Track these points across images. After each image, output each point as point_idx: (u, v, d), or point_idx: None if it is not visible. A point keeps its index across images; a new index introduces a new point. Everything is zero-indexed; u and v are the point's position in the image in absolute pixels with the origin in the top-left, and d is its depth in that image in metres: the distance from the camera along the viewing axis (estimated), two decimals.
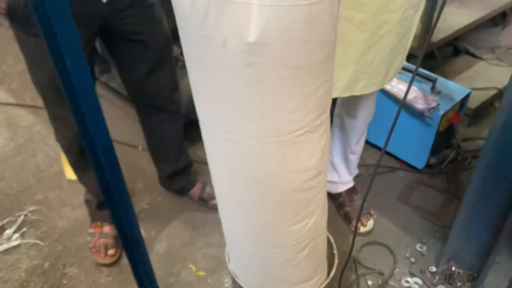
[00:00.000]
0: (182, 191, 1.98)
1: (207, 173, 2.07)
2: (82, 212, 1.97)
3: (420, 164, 2.03)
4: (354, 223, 1.81)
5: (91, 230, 1.81)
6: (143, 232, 1.87)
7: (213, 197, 1.83)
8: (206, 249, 1.80)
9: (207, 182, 1.94)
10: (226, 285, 1.68)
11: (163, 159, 1.91)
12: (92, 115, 0.90)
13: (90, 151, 0.95)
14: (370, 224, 1.82)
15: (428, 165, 2.04)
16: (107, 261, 1.74)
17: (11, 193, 2.07)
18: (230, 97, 0.81)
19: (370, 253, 1.77)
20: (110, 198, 1.05)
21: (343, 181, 1.86)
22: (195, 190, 1.95)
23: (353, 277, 1.68)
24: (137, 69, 1.57)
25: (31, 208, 1.98)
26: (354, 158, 1.79)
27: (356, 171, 1.88)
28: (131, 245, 1.20)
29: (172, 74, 1.65)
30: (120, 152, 2.22)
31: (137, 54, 1.53)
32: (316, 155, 0.93)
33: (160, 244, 1.83)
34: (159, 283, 1.47)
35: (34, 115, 2.49)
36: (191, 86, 0.90)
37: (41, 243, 1.84)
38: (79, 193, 2.05)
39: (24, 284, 1.70)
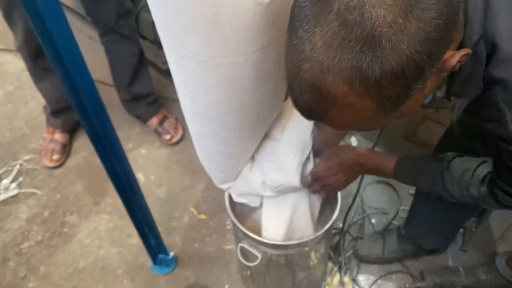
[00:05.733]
0: (140, 118, 2.02)
1: (176, 109, 2.04)
2: (78, 159, 1.93)
3: None
4: None
5: (44, 135, 1.96)
6: (142, 177, 1.83)
7: (167, 132, 1.94)
8: (207, 192, 1.77)
9: (168, 117, 1.99)
10: (228, 227, 1.66)
11: (118, 81, 1.91)
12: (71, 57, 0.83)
13: (73, 96, 0.88)
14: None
15: (433, 100, 1.96)
16: (52, 164, 1.88)
17: (4, 142, 2.02)
18: None
19: (374, 191, 1.75)
20: (100, 148, 0.99)
21: None
22: (153, 121, 1.98)
23: (358, 216, 1.66)
24: None
25: (26, 157, 1.93)
26: None
27: None
28: (127, 194, 1.15)
29: (118, 2, 1.67)
30: (114, 96, 2.12)
31: None
32: None
33: (160, 189, 1.79)
34: (161, 227, 1.45)
35: (22, 60, 2.37)
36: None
37: (39, 192, 1.81)
38: (74, 140, 2.00)
39: (25, 233, 1.68)
